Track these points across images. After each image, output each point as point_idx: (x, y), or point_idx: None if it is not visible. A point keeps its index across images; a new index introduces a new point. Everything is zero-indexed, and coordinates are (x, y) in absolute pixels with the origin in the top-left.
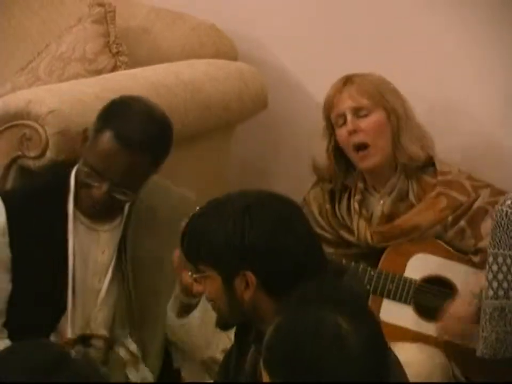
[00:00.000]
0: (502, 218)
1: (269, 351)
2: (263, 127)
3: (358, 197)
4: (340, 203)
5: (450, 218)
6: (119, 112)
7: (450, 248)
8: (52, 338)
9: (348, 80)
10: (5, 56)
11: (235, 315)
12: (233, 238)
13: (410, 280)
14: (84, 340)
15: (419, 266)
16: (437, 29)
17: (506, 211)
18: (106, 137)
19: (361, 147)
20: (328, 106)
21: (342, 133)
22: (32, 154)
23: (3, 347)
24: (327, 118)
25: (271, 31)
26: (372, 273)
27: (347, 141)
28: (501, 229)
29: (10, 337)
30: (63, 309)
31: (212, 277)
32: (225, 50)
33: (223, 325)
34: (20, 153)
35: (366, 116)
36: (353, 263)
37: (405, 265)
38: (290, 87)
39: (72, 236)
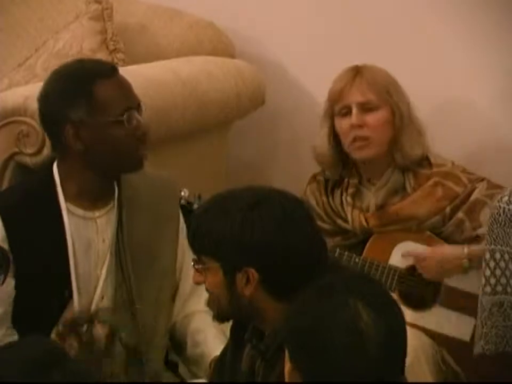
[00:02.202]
0: (500, 215)
1: (288, 332)
2: (260, 124)
3: (351, 190)
4: (333, 196)
5: (448, 209)
6: (80, 75)
7: (437, 238)
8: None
9: (358, 73)
10: (2, 52)
11: (233, 309)
12: (239, 233)
13: (395, 268)
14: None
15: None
16: (437, 26)
17: (504, 207)
18: (103, 83)
19: (359, 139)
20: (335, 96)
21: (343, 123)
22: (29, 151)
23: None
24: (330, 107)
25: (268, 28)
26: (357, 260)
27: (347, 132)
28: (498, 225)
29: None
30: (66, 302)
31: (213, 269)
32: (223, 47)
33: (220, 318)
34: (17, 149)
35: (371, 110)
36: (337, 250)
37: (390, 253)
38: (288, 84)
39: (69, 229)
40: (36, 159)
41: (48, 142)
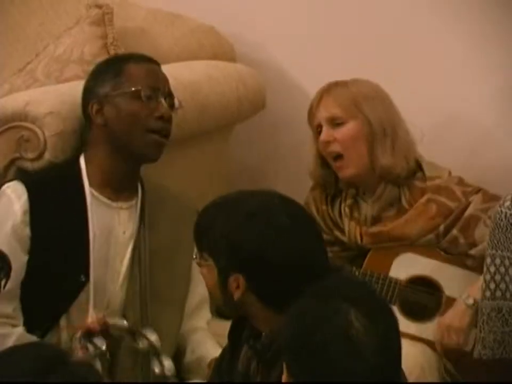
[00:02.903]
0: (501, 220)
1: (283, 339)
2: (261, 128)
3: (349, 201)
4: (332, 206)
5: (442, 227)
6: (117, 56)
7: (437, 249)
8: (63, 321)
9: (325, 91)
10: (2, 57)
11: (228, 307)
12: (234, 240)
13: (395, 280)
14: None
15: (404, 266)
16: (437, 27)
17: (506, 212)
18: (136, 65)
19: (337, 157)
20: (309, 116)
21: (319, 143)
22: (30, 156)
23: (15, 336)
24: (311, 126)
25: (269, 32)
26: (357, 273)
27: (324, 150)
28: (500, 230)
29: (26, 316)
30: (81, 287)
31: (211, 267)
32: (223, 51)
33: (220, 312)
34: (17, 155)
35: (340, 125)
36: (337, 263)
37: (390, 265)
38: (289, 88)
39: (91, 214)
40: (36, 164)
41: (49, 147)
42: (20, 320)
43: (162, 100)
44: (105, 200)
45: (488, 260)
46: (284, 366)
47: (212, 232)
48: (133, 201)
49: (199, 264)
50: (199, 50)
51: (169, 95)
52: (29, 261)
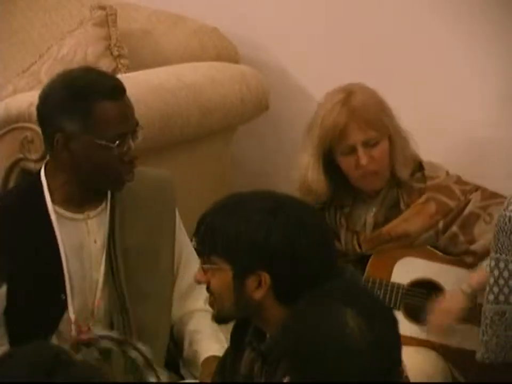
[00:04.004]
0: (505, 223)
1: (284, 341)
2: (264, 129)
3: (346, 210)
4: (329, 215)
5: (441, 224)
6: (85, 88)
7: (436, 251)
8: (54, 339)
9: (351, 106)
10: (6, 58)
11: (237, 311)
12: (256, 237)
13: (398, 285)
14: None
15: (405, 270)
16: (438, 28)
17: (510, 216)
18: (105, 104)
19: (370, 173)
20: (333, 137)
21: (349, 162)
22: (33, 156)
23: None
24: (327, 144)
25: (272, 34)
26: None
27: (355, 169)
28: (504, 233)
29: (11, 343)
30: (64, 305)
31: (222, 270)
32: (226, 53)
33: (221, 319)
34: (21, 155)
35: (374, 145)
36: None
37: (391, 270)
38: (292, 89)
39: (58, 232)
40: (40, 165)
41: None
42: (5, 342)
43: (130, 142)
44: (70, 215)
45: (492, 264)
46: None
47: (224, 234)
48: (102, 206)
49: (206, 271)
50: (202, 51)
51: (135, 128)
52: (8, 289)
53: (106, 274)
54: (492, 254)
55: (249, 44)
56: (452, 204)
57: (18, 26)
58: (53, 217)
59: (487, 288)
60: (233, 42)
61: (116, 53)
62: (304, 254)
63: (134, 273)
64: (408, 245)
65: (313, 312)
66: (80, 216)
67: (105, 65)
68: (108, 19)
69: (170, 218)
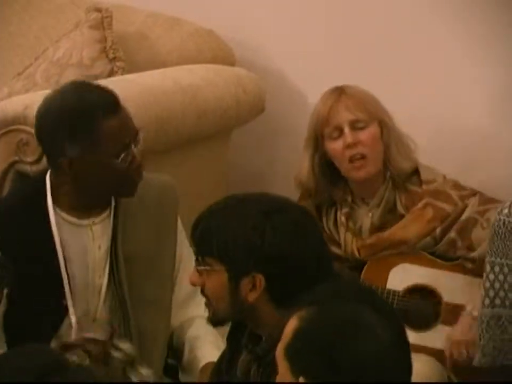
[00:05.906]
0: (500, 227)
1: (303, 344)
2: (260, 132)
3: (345, 210)
4: (327, 217)
5: (438, 230)
6: (83, 112)
7: (433, 257)
8: (53, 343)
9: (341, 92)
10: (2, 61)
11: (232, 313)
12: (252, 239)
13: (393, 291)
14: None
15: (401, 277)
16: (438, 30)
17: (504, 220)
18: (106, 121)
19: (358, 158)
20: (322, 119)
21: (336, 145)
22: (29, 159)
23: None
24: (318, 131)
25: (268, 36)
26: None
27: (342, 153)
28: (498, 237)
29: (9, 347)
30: (65, 310)
31: (218, 272)
32: (223, 55)
33: (216, 321)
34: (17, 158)
35: (362, 128)
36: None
37: (387, 277)
38: (288, 92)
39: (57, 237)
40: (36, 168)
41: None
42: (3, 345)
43: (134, 150)
44: (75, 220)
45: (488, 267)
46: (284, 366)
47: (219, 236)
48: (106, 212)
49: (201, 272)
50: (198, 54)
51: (136, 134)
52: (9, 294)
53: (109, 280)
54: (487, 258)
55: (245, 46)
56: (449, 209)
57: (14, 29)
58: (53, 222)
59: (483, 292)
60: (229, 44)
61: (111, 56)
62: (299, 257)
63: (136, 279)
64: (406, 251)
65: (335, 309)
66: (85, 221)
67: (100, 67)
68: (103, 21)
69: (173, 226)
